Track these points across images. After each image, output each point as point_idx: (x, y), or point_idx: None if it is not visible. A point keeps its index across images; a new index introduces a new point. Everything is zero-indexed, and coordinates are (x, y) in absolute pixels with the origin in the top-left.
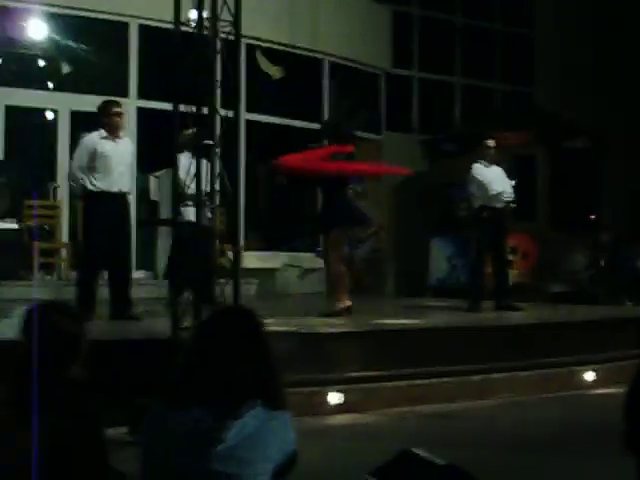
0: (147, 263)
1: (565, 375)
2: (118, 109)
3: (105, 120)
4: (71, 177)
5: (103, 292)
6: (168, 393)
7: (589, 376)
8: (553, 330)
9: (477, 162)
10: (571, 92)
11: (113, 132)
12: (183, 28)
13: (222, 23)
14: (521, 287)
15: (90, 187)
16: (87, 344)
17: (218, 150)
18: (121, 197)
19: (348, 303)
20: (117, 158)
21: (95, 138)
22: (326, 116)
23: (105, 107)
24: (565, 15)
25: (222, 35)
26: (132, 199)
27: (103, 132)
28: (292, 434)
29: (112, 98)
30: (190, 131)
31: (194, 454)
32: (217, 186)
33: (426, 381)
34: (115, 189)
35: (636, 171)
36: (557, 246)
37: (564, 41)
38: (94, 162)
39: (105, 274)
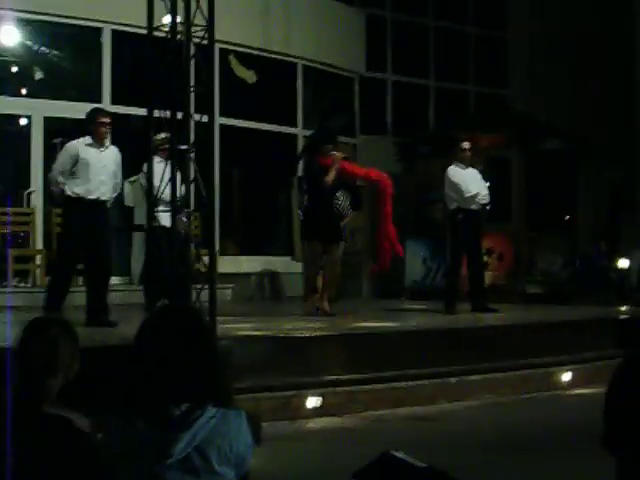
0: (122, 269)
1: (542, 376)
2: (106, 118)
3: (91, 128)
4: (52, 181)
5: (79, 298)
6: (114, 404)
7: (566, 377)
8: (530, 331)
9: (452, 164)
10: (545, 94)
11: (98, 140)
12: (157, 33)
13: (195, 28)
14: (497, 288)
15: (68, 192)
16: (78, 359)
17: (193, 154)
18: (99, 204)
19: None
20: (99, 166)
21: (79, 144)
22: (300, 120)
23: (93, 115)
24: (538, 17)
25: (196, 40)
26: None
27: (88, 139)
28: (246, 434)
29: (86, 106)
30: (162, 136)
31: (147, 466)
32: (192, 191)
33: (404, 384)
34: (93, 196)
35: (611, 171)
36: (533, 247)
37: (537, 43)
38: (75, 168)
39: (80, 280)
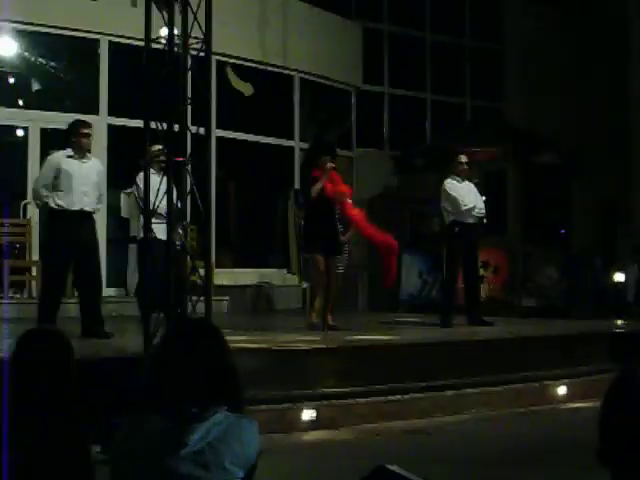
0: (118, 280)
1: (537, 390)
2: (87, 130)
3: (73, 139)
4: (35, 195)
5: (74, 309)
6: (134, 402)
7: (561, 390)
8: (525, 345)
9: (449, 178)
10: (541, 107)
11: (79, 152)
12: (154, 45)
13: (193, 40)
14: (493, 302)
15: (52, 205)
16: (77, 367)
17: (189, 167)
18: (83, 215)
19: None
20: (81, 177)
21: (61, 156)
22: (297, 133)
23: (74, 127)
24: (534, 30)
25: (193, 52)
26: (102, 216)
27: (70, 151)
28: (257, 442)
29: (83, 118)
30: (157, 147)
31: (160, 458)
32: (188, 203)
33: (400, 397)
34: (76, 207)
35: (606, 185)
36: (528, 260)
37: (533, 56)
38: (57, 180)
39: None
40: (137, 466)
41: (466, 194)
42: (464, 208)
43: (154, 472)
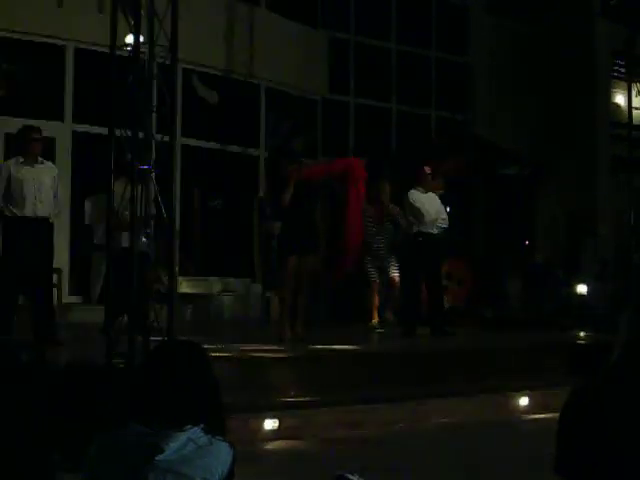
0: (81, 288)
1: (499, 400)
2: (36, 135)
3: (22, 146)
4: None
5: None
6: (114, 414)
7: (523, 401)
8: (487, 355)
9: (413, 189)
10: (506, 120)
11: (30, 157)
12: (120, 52)
13: (159, 48)
14: (456, 312)
15: (6, 213)
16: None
17: (153, 175)
18: (37, 221)
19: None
20: (34, 183)
21: (11, 164)
22: (263, 141)
23: (23, 133)
24: (500, 44)
25: (159, 60)
26: (66, 223)
27: (20, 158)
28: (230, 464)
29: (48, 124)
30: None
31: (135, 465)
32: (152, 211)
33: (362, 407)
34: (30, 214)
35: (571, 198)
36: (492, 272)
37: (500, 69)
38: (10, 188)
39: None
40: (111, 474)
41: (429, 205)
42: (427, 219)
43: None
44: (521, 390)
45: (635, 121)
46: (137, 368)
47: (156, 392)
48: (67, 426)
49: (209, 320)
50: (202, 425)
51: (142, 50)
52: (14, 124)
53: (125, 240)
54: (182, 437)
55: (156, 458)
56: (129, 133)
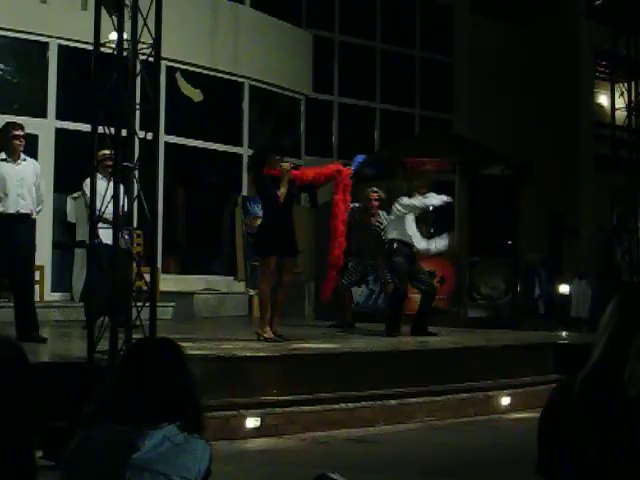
0: (63, 285)
1: (481, 400)
2: (18, 132)
3: (4, 142)
4: None
5: (9, 314)
6: (91, 413)
7: (505, 401)
8: (470, 355)
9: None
10: (488, 119)
11: (13, 154)
12: (103, 49)
13: (142, 45)
14: (439, 312)
15: None
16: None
17: (136, 172)
18: (20, 218)
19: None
20: (16, 180)
21: None
22: (246, 140)
23: (5, 129)
24: (484, 44)
25: (142, 57)
26: (48, 220)
27: (3, 154)
28: (207, 461)
29: (31, 121)
30: (105, 152)
31: (111, 463)
32: (135, 208)
33: (344, 405)
34: (12, 210)
35: (554, 199)
36: (475, 271)
37: (484, 69)
38: None
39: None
40: (88, 474)
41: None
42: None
43: (104, 478)
44: (504, 389)
45: (618, 122)
46: (114, 366)
47: (132, 390)
48: (48, 424)
49: (191, 318)
50: (178, 423)
51: (126, 47)
52: None
53: (107, 237)
54: (158, 435)
55: (133, 456)
56: (112, 130)
